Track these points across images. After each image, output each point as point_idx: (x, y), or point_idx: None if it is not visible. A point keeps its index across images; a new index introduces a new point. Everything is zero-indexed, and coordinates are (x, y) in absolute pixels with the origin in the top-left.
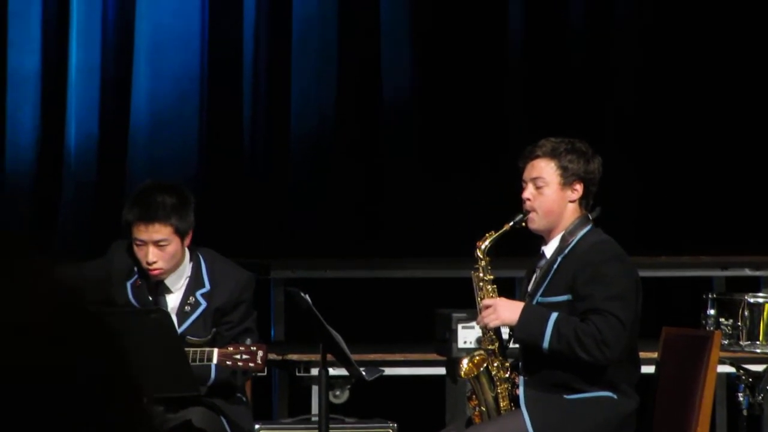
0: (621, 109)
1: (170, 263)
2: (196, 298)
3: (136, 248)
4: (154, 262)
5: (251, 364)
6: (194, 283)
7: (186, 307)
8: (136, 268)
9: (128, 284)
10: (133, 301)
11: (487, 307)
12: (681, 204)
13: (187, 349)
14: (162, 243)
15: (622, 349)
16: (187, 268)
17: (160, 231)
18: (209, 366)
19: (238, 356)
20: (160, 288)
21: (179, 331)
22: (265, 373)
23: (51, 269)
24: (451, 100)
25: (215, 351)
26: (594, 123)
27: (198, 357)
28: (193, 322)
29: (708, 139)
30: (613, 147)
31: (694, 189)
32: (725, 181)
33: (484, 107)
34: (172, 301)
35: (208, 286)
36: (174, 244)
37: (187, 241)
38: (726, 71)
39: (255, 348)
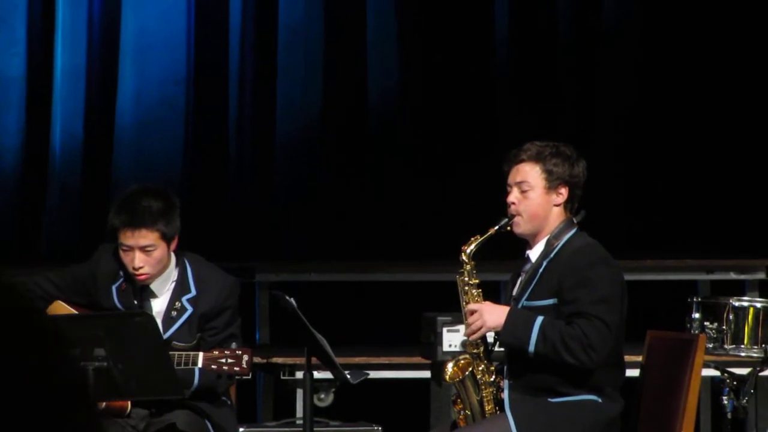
0: (608, 113)
1: (156, 268)
2: (182, 304)
3: (122, 253)
4: (141, 267)
5: (236, 368)
6: (180, 288)
7: (172, 313)
8: (121, 272)
9: (113, 288)
10: (118, 304)
11: (473, 312)
12: (666, 208)
13: (172, 352)
14: (148, 248)
15: (608, 352)
16: (173, 272)
17: (147, 237)
18: (192, 370)
19: (224, 360)
20: (145, 292)
21: (165, 336)
22: (250, 377)
23: None
24: (437, 103)
25: (200, 355)
26: (580, 127)
27: (183, 361)
28: (179, 327)
29: (694, 144)
30: (600, 150)
31: (680, 193)
32: (711, 186)
33: (470, 111)
34: (158, 305)
35: (194, 292)
36: (160, 250)
37: (173, 245)
38: (713, 77)
39: (240, 352)
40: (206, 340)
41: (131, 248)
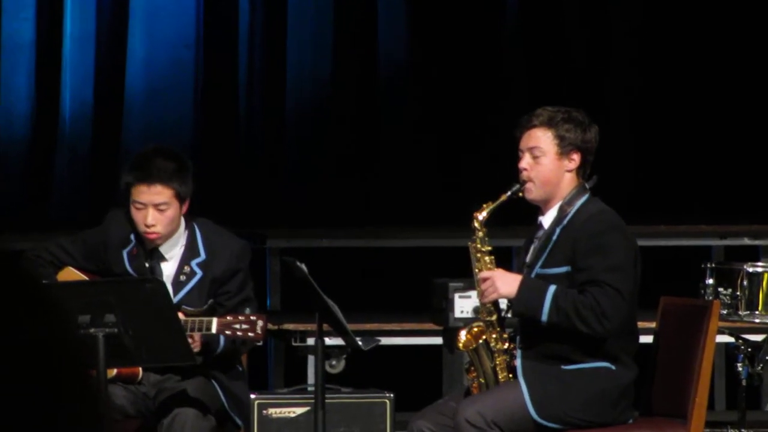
0: (620, 78)
1: (168, 228)
2: (191, 268)
3: (134, 211)
4: (153, 225)
5: (250, 334)
6: (189, 252)
7: (181, 277)
8: (132, 237)
9: (124, 252)
10: (129, 269)
11: (485, 279)
12: (680, 173)
13: (185, 318)
14: (162, 206)
15: (621, 320)
16: (182, 236)
17: (162, 193)
18: (218, 336)
19: (238, 326)
20: (155, 256)
21: (174, 300)
22: (262, 344)
23: None
24: (447, 69)
25: (214, 320)
26: (592, 92)
27: (197, 326)
28: (189, 291)
29: (706, 109)
30: (612, 116)
31: (693, 158)
32: (724, 151)
33: (480, 76)
34: (168, 269)
35: (203, 256)
36: (173, 209)
37: (185, 207)
38: (728, 40)
39: (255, 318)
40: (222, 304)
41: (144, 205)
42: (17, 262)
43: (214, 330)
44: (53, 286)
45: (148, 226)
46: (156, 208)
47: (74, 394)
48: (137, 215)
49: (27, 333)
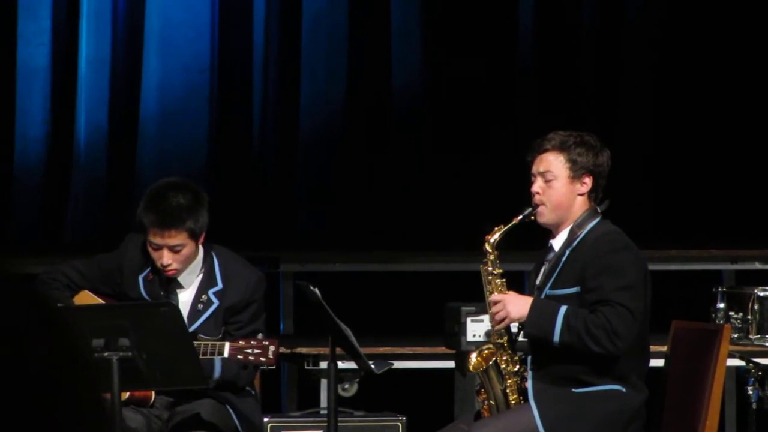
0: (632, 102)
1: (185, 264)
2: (208, 297)
3: (150, 250)
4: (169, 265)
5: (263, 359)
6: (207, 281)
7: (199, 305)
8: (149, 263)
9: (140, 278)
10: (144, 295)
11: (496, 302)
12: (691, 197)
13: (197, 342)
14: (177, 248)
15: (633, 339)
16: (200, 265)
17: (176, 237)
18: (213, 360)
19: (250, 350)
20: (172, 284)
21: (191, 329)
22: (275, 367)
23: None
24: (461, 93)
25: (227, 345)
26: (605, 116)
27: (209, 350)
28: (206, 320)
29: (719, 133)
30: (623, 140)
31: (705, 182)
32: (735, 175)
33: (494, 101)
34: (185, 297)
35: (220, 285)
36: (189, 247)
37: (201, 239)
38: (739, 66)
39: (267, 343)
40: (231, 333)
41: (160, 247)
42: (30, 285)
43: (226, 354)
44: (68, 309)
45: (164, 266)
46: (171, 249)
47: (87, 419)
48: (153, 254)
49: (40, 357)
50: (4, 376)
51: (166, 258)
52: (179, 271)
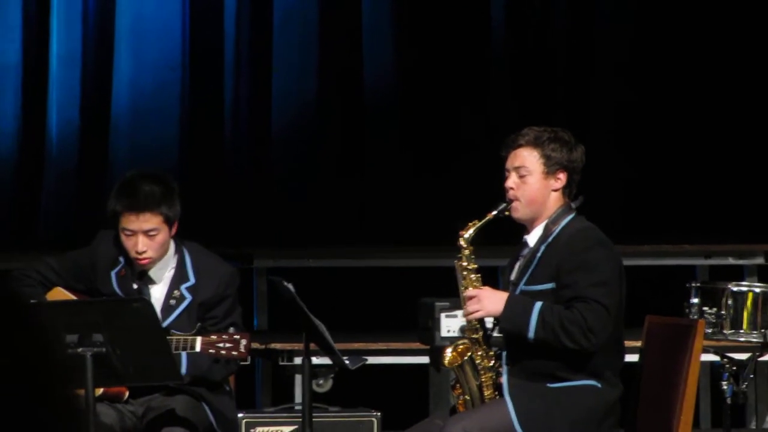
0: (606, 98)
1: (159, 252)
2: (180, 292)
3: (124, 238)
4: (144, 252)
5: (234, 353)
6: (179, 276)
7: (171, 301)
8: (121, 258)
9: (113, 273)
10: (117, 290)
11: (471, 297)
12: (664, 193)
13: (170, 337)
14: (152, 232)
15: (607, 335)
16: (172, 259)
17: (151, 220)
18: (179, 355)
19: (222, 344)
20: (144, 279)
21: (164, 324)
22: (249, 362)
23: None
24: (433, 88)
25: (198, 339)
26: (579, 112)
27: (181, 345)
28: (178, 316)
29: (692, 129)
30: (598, 136)
31: (678, 178)
32: (709, 171)
33: (467, 95)
34: (157, 292)
35: (192, 280)
36: (163, 233)
37: (173, 230)
38: (711, 61)
39: (238, 336)
40: (207, 329)
41: (134, 232)
42: (1, 282)
43: (198, 348)
44: (41, 306)
45: (139, 253)
46: (146, 234)
47: (60, 414)
48: (127, 242)
49: (12, 353)
50: None
51: (141, 244)
52: (153, 261)
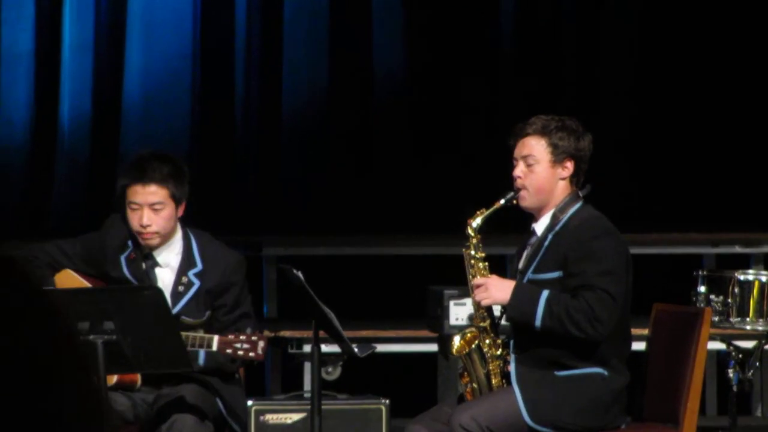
0: (612, 86)
1: (164, 228)
2: (188, 278)
3: (130, 213)
4: (148, 226)
5: (251, 354)
6: (186, 261)
7: (179, 287)
8: (130, 242)
9: (122, 257)
10: (127, 274)
11: (479, 286)
12: (671, 181)
13: (186, 334)
14: (157, 206)
15: (614, 324)
16: (178, 243)
17: (157, 193)
18: (197, 353)
19: (239, 345)
20: (150, 261)
21: (174, 311)
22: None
23: None
24: (442, 77)
25: (215, 338)
26: (585, 100)
27: (197, 343)
28: (187, 302)
29: (699, 117)
30: (604, 124)
31: (685, 166)
32: (716, 159)
33: (476, 85)
34: (165, 278)
35: (200, 266)
36: (168, 209)
37: (181, 210)
38: (719, 47)
39: (256, 338)
40: (219, 319)
41: (140, 205)
42: (18, 267)
43: (215, 348)
44: (52, 293)
45: (143, 227)
46: (151, 208)
47: (77, 398)
48: (132, 216)
49: (31, 338)
50: (1, 359)
51: (146, 217)
52: (157, 237)
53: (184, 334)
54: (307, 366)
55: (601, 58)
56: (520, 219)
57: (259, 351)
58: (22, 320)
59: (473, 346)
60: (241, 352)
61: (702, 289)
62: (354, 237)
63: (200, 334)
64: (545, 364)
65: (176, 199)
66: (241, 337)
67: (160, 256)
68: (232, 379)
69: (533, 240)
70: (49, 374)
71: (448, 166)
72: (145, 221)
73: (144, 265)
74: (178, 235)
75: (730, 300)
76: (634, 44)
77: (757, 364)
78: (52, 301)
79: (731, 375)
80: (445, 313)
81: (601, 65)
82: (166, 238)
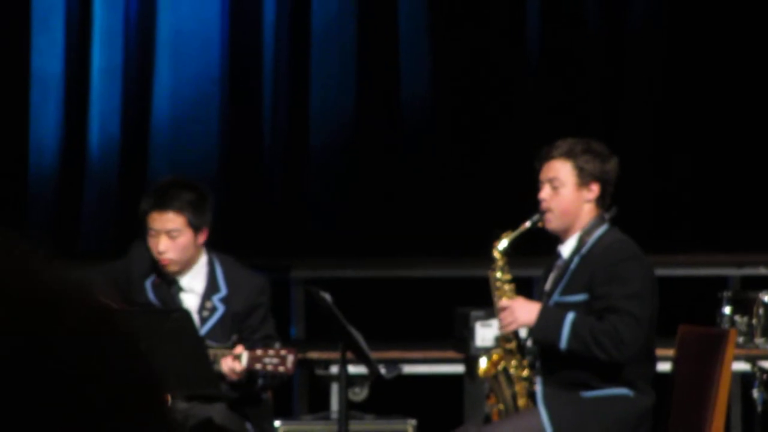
0: (638, 109)
1: (181, 256)
2: (213, 303)
3: (149, 239)
4: (165, 252)
5: (281, 368)
6: (211, 286)
7: (204, 312)
8: (154, 268)
9: (147, 283)
10: (153, 299)
11: (504, 308)
12: (696, 203)
13: (214, 352)
14: (174, 233)
15: (639, 347)
16: (203, 269)
17: (173, 220)
18: (256, 373)
19: (268, 360)
20: (174, 287)
21: None
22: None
23: (64, 274)
24: (469, 100)
25: (245, 353)
26: (610, 122)
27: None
28: (212, 327)
29: (723, 138)
30: (629, 146)
31: (710, 188)
32: (740, 180)
33: (502, 108)
34: (190, 303)
35: (224, 291)
36: (186, 237)
37: (202, 237)
38: (742, 69)
39: (285, 352)
40: (246, 339)
41: (157, 232)
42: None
43: (244, 363)
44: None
45: (160, 252)
46: (168, 235)
47: (153, 420)
48: (151, 243)
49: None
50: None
51: (162, 244)
52: (175, 264)
53: (212, 351)
54: (335, 387)
55: (625, 81)
56: (546, 241)
57: (289, 365)
58: (108, 347)
59: (500, 368)
60: (270, 367)
61: (727, 310)
62: (381, 259)
63: (230, 352)
64: (571, 385)
65: (194, 227)
66: (270, 352)
67: (185, 281)
68: (260, 400)
69: (559, 262)
70: (124, 397)
71: (474, 188)
72: (161, 248)
73: (169, 291)
74: (203, 261)
75: (754, 321)
76: (660, 64)
77: None
78: (128, 327)
79: (756, 396)
80: (471, 334)
81: (625, 87)
82: (188, 264)
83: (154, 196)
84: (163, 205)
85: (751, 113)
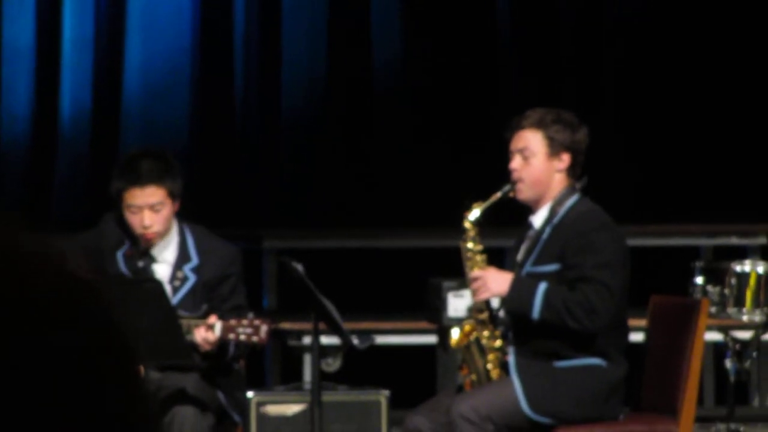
0: (608, 78)
1: (165, 226)
2: (184, 273)
3: (129, 215)
4: (150, 226)
5: (254, 338)
6: (182, 256)
7: (175, 282)
8: (126, 239)
9: (119, 254)
10: (125, 270)
11: (476, 278)
12: (668, 172)
13: (187, 322)
14: (157, 206)
15: (611, 316)
16: (174, 238)
17: (155, 194)
18: (228, 342)
19: (241, 329)
20: (147, 258)
21: None
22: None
23: (40, 243)
24: (440, 69)
25: (218, 323)
26: (582, 92)
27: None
28: (183, 297)
29: (696, 109)
30: (601, 116)
31: (682, 157)
32: (712, 150)
33: (473, 77)
34: (162, 274)
35: (195, 260)
36: (168, 207)
37: (176, 206)
38: (718, 40)
39: (258, 322)
40: (216, 308)
41: (140, 208)
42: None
43: (218, 333)
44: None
45: (145, 228)
46: (152, 209)
47: (132, 398)
48: (133, 219)
49: (84, 330)
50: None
51: (148, 218)
52: (159, 236)
53: (185, 321)
54: (307, 358)
55: (599, 50)
56: (518, 212)
57: (262, 335)
58: (77, 312)
59: (472, 338)
60: (243, 337)
61: (699, 280)
62: (353, 230)
63: (202, 322)
64: (544, 355)
65: (173, 196)
66: (243, 322)
67: (157, 251)
68: (233, 370)
69: (531, 233)
70: (100, 367)
71: (446, 158)
72: (147, 223)
73: (141, 262)
74: (174, 231)
75: (727, 291)
76: (635, 31)
77: (754, 354)
78: (102, 294)
79: (728, 365)
80: (443, 304)
81: (598, 57)
82: (164, 235)
83: (129, 172)
84: (141, 180)
85: (723, 85)
